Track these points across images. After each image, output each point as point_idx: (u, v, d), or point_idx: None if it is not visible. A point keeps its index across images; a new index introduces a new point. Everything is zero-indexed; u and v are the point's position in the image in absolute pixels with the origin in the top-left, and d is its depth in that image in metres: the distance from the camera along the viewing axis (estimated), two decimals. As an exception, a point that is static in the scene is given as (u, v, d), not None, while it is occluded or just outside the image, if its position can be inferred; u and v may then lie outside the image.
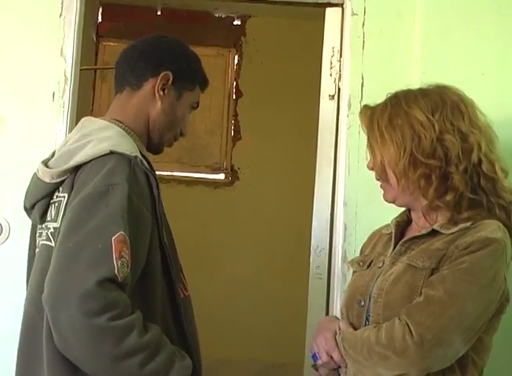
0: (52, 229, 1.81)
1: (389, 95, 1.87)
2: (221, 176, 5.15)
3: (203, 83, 2.04)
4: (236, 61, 5.17)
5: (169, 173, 5.06)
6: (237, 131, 5.15)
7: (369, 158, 1.87)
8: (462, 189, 1.72)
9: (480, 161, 1.74)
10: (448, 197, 1.73)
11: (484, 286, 1.64)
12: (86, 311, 1.54)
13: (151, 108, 1.94)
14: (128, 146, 1.78)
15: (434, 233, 1.77)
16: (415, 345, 1.59)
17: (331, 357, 1.77)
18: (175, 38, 2.05)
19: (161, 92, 1.93)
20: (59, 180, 1.80)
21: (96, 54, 4.93)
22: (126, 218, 1.64)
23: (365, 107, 1.89)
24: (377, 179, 1.88)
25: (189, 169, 5.13)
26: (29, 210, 1.93)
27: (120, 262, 1.59)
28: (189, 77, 1.99)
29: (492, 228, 1.69)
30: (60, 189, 1.81)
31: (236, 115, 5.16)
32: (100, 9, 4.69)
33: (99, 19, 4.77)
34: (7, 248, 2.48)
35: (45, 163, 1.88)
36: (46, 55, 2.55)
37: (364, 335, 1.69)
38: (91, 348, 1.57)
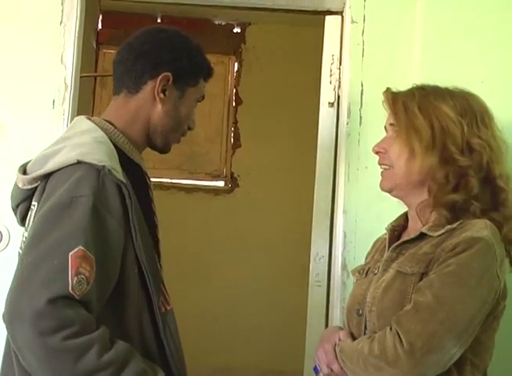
0: (24, 238, 1.80)
1: (414, 86, 1.85)
2: (221, 183, 5.15)
3: (208, 74, 1.95)
4: (235, 68, 5.18)
5: (169, 180, 5.07)
6: (237, 138, 5.16)
7: (378, 142, 1.85)
8: (474, 194, 1.72)
9: (499, 174, 1.74)
10: (458, 197, 1.72)
11: (474, 287, 1.62)
12: (40, 330, 1.49)
13: (151, 111, 1.86)
14: (99, 155, 1.69)
15: (422, 236, 1.75)
16: (406, 354, 1.57)
17: (331, 369, 1.76)
18: (175, 30, 1.95)
19: (161, 95, 1.85)
20: (30, 187, 1.77)
21: (96, 61, 4.94)
22: (89, 231, 1.58)
23: (390, 89, 1.87)
24: (382, 164, 1.85)
25: (189, 176, 5.14)
26: (15, 210, 1.90)
27: (76, 278, 1.53)
28: (191, 73, 1.89)
29: (478, 227, 1.67)
30: (34, 196, 1.77)
31: (235, 122, 5.16)
32: (100, 17, 4.69)
33: (100, 27, 4.78)
34: (7, 255, 2.47)
35: (24, 167, 1.83)
36: (46, 62, 2.56)
37: (359, 347, 1.68)
38: (50, 369, 1.52)
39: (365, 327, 1.77)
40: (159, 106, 1.86)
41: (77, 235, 1.57)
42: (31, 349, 1.51)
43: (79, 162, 1.66)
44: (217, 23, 5.02)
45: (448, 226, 1.70)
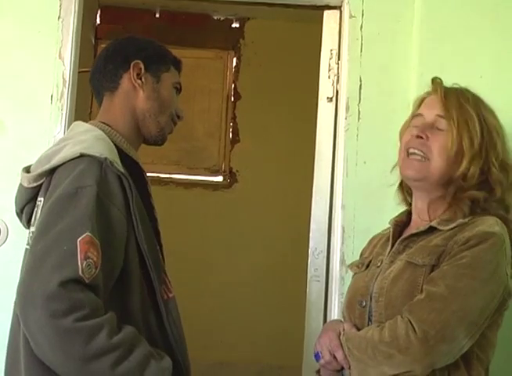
0: (31, 234, 1.84)
1: (461, 87, 1.86)
2: (220, 178, 5.15)
3: (176, 62, 2.06)
4: (234, 63, 5.17)
5: (168, 175, 5.06)
6: (236, 133, 5.15)
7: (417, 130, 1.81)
8: (497, 197, 1.76)
9: None
10: (479, 194, 1.74)
11: (486, 280, 1.64)
12: (51, 312, 1.53)
13: (135, 100, 1.96)
14: (100, 149, 1.77)
15: (431, 229, 1.77)
16: (418, 342, 1.59)
17: (334, 357, 1.76)
18: (136, 34, 2.10)
19: (139, 81, 1.96)
20: (35, 184, 1.83)
21: (95, 56, 4.92)
22: (94, 219, 1.64)
23: (441, 80, 1.87)
24: (417, 150, 1.78)
25: (188, 172, 5.13)
26: (20, 215, 1.97)
27: (85, 262, 1.59)
28: (160, 59, 2.01)
29: (489, 222, 1.70)
30: (39, 193, 1.83)
31: (234, 118, 5.15)
32: (99, 12, 4.67)
33: (98, 22, 4.75)
34: (5, 251, 2.48)
35: (27, 169, 1.91)
36: (44, 57, 2.55)
37: (368, 335, 1.69)
38: (61, 350, 1.56)
39: (369, 319, 1.77)
40: (140, 92, 1.96)
41: (84, 222, 1.63)
42: (44, 332, 1.55)
43: (82, 155, 1.73)
44: (215, 18, 5.00)
45: (460, 220, 1.72)
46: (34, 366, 1.64)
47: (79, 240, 1.60)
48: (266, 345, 4.74)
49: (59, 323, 1.54)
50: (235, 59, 5.17)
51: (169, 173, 5.07)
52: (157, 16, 4.85)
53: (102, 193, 1.68)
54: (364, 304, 1.79)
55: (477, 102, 1.82)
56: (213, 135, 5.13)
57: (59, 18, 2.57)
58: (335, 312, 2.51)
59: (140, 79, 1.95)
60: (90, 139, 1.82)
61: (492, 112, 1.82)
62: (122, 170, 1.76)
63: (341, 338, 1.76)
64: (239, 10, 4.58)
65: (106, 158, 1.73)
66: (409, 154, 1.81)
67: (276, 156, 4.94)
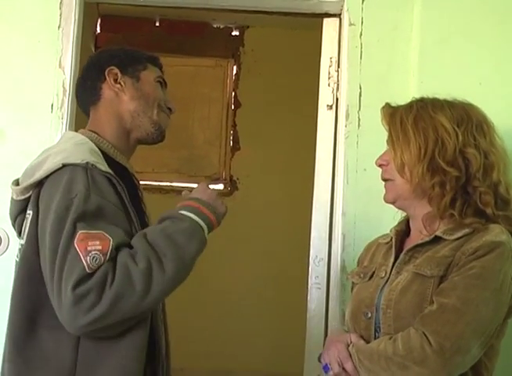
0: (19, 246, 1.88)
1: (414, 99, 1.88)
2: (220, 186, 5.15)
3: (153, 59, 2.08)
4: (234, 71, 5.18)
5: (168, 183, 5.06)
6: (236, 141, 5.15)
7: (379, 156, 1.89)
8: (474, 200, 1.74)
9: (499, 182, 1.76)
10: (457, 209, 1.74)
11: (495, 289, 1.64)
12: (74, 314, 1.64)
13: (120, 105, 1.99)
14: (80, 155, 1.80)
15: (437, 239, 1.76)
16: (435, 354, 1.58)
17: (343, 369, 1.75)
18: (113, 46, 2.14)
19: (118, 86, 1.98)
20: (23, 197, 1.86)
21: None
22: (87, 215, 1.70)
23: (388, 105, 1.90)
24: (384, 179, 1.88)
25: (188, 179, 5.12)
26: (13, 224, 1.99)
27: (88, 257, 1.66)
28: (134, 60, 2.03)
29: (495, 231, 1.70)
30: (28, 206, 1.85)
31: (234, 125, 5.16)
32: (99, 21, 4.70)
33: (98, 31, 4.78)
34: (6, 260, 2.47)
35: (17, 181, 1.93)
36: (45, 66, 2.56)
37: (380, 347, 1.67)
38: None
39: (376, 330, 1.76)
40: (123, 97, 1.99)
41: (75, 224, 1.69)
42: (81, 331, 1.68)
43: (64, 165, 1.77)
44: (215, 26, 5.01)
45: (467, 230, 1.72)
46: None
47: (75, 242, 1.67)
48: (267, 353, 4.73)
49: (81, 321, 1.64)
50: (235, 67, 5.18)
51: (170, 181, 5.07)
52: (157, 24, 4.87)
53: (94, 194, 1.73)
54: (370, 315, 1.78)
55: (424, 106, 1.82)
56: (213, 143, 5.14)
57: (59, 27, 2.58)
58: (336, 320, 2.51)
59: (119, 84, 1.98)
60: (70, 146, 1.85)
61: (448, 109, 1.80)
62: (107, 170, 1.80)
63: (350, 349, 1.75)
64: (239, 18, 4.59)
65: (87, 162, 1.76)
66: (384, 183, 1.89)
67: (277, 164, 4.94)
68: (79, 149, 1.83)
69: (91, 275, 1.65)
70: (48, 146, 2.50)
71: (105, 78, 1.99)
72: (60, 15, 2.58)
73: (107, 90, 1.99)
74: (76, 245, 1.67)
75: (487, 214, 1.74)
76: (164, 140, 2.06)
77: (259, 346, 4.75)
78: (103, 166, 1.80)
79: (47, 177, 1.78)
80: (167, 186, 5.03)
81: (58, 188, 1.74)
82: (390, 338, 1.68)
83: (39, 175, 1.79)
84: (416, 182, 1.77)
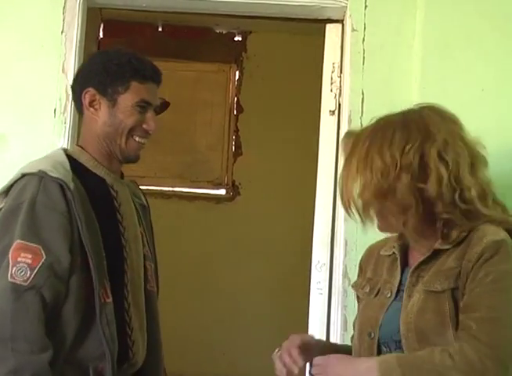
0: None
1: (374, 121, 1.81)
2: (223, 191, 5.15)
3: (140, 74, 2.01)
4: (236, 77, 5.18)
5: (170, 189, 5.06)
6: (238, 146, 5.15)
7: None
8: (451, 216, 1.71)
9: (467, 186, 1.71)
10: (438, 225, 1.73)
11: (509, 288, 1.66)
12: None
13: (95, 126, 2.03)
14: (40, 165, 1.91)
15: (437, 252, 1.75)
16: (494, 365, 1.58)
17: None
18: (104, 50, 2.19)
19: (92, 109, 2.02)
20: (1, 206, 1.95)
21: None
22: (28, 227, 1.82)
23: (348, 134, 1.88)
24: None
25: (191, 185, 5.13)
26: None
27: (15, 268, 1.78)
28: (116, 80, 2.00)
29: (491, 230, 1.70)
30: None
31: (236, 130, 5.16)
32: (102, 25, 4.70)
33: (101, 36, 4.78)
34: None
35: None
36: (48, 71, 2.56)
37: (435, 361, 1.61)
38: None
39: (378, 351, 1.75)
40: (97, 119, 2.03)
41: (16, 232, 1.82)
42: None
43: (24, 175, 1.91)
44: (218, 31, 5.01)
45: (462, 234, 1.71)
46: None
47: (11, 249, 1.80)
48: (269, 358, 4.72)
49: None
50: (237, 73, 5.18)
51: (172, 186, 5.07)
52: (160, 29, 4.87)
53: (40, 203, 1.84)
54: (372, 335, 1.77)
55: (375, 132, 1.76)
56: (215, 148, 5.14)
57: (62, 32, 2.58)
58: (338, 325, 2.51)
59: (93, 107, 2.01)
60: (37, 159, 1.99)
61: (397, 133, 1.74)
62: (59, 176, 1.87)
63: (378, 366, 1.63)
64: (242, 23, 4.59)
65: (39, 170, 1.87)
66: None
67: (279, 169, 4.94)
68: (43, 161, 1.97)
69: (20, 289, 1.77)
70: (50, 150, 2.52)
71: (82, 97, 2.03)
72: (63, 20, 2.58)
73: (85, 109, 2.05)
74: (11, 252, 1.79)
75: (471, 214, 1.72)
76: (137, 161, 2.08)
77: (261, 352, 4.74)
78: (56, 173, 1.88)
79: (11, 186, 1.93)
80: (169, 190, 5.04)
81: (12, 193, 1.90)
82: (432, 351, 1.62)
83: (5, 184, 1.95)
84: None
